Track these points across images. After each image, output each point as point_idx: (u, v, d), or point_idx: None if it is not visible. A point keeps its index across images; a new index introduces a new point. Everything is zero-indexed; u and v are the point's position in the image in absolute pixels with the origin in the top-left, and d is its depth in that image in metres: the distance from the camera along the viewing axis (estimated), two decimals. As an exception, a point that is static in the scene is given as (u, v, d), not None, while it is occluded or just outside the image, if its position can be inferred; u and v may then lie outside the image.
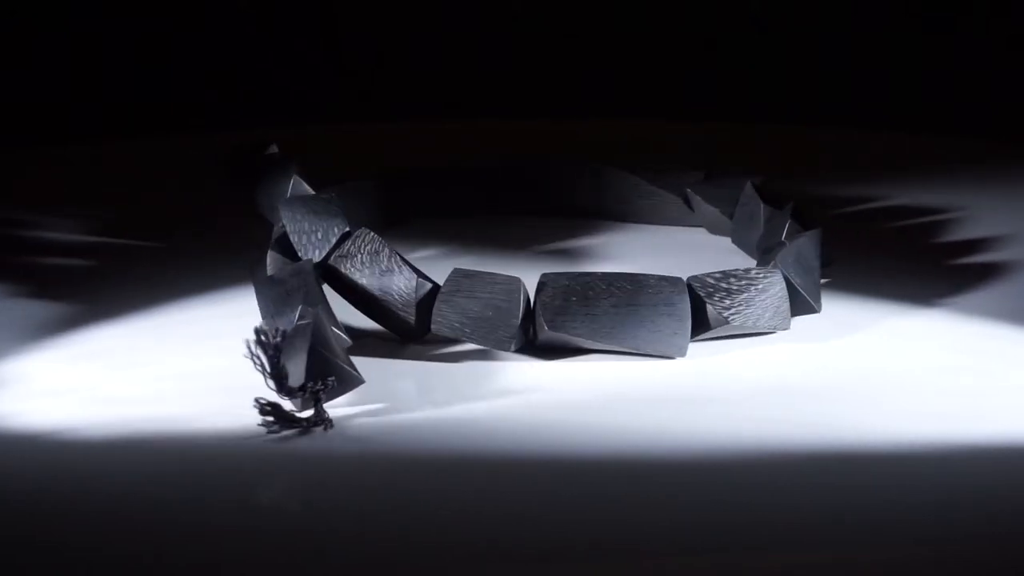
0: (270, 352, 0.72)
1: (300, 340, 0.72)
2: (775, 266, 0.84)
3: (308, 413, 0.73)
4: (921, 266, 0.95)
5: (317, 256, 0.86)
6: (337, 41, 1.46)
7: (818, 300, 0.86)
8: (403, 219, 1.04)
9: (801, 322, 0.84)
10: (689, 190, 1.01)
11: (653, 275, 0.82)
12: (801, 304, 0.85)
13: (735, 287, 0.82)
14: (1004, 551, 0.66)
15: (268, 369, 0.72)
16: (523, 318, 0.81)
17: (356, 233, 0.84)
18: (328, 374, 0.72)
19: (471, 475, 0.71)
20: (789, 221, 0.91)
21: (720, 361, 0.81)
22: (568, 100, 1.45)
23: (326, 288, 0.83)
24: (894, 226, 1.03)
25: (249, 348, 0.72)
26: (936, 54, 1.42)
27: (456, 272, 0.82)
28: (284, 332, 0.72)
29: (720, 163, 1.07)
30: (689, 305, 0.81)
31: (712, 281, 0.82)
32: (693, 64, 1.45)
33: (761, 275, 0.83)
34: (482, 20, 1.46)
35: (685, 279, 0.82)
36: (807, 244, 0.87)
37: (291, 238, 0.87)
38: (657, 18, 1.45)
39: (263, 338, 0.72)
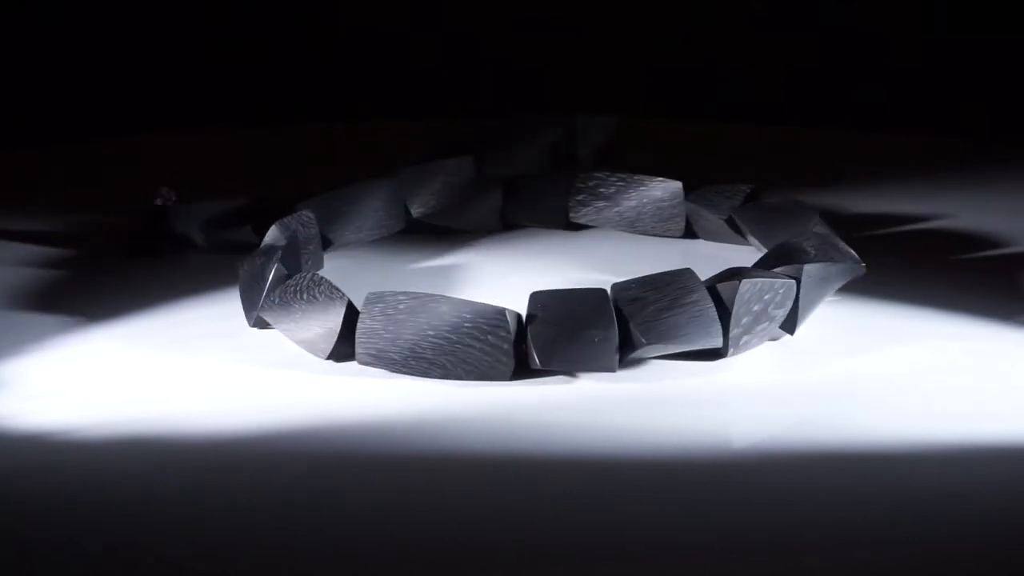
0: (165, 206, 0.96)
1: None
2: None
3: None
4: (920, 266, 0.95)
5: None
6: (337, 41, 1.46)
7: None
8: None
9: (801, 322, 0.84)
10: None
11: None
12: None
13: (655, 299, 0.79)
14: (1004, 551, 0.66)
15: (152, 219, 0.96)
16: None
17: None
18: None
19: (471, 475, 0.71)
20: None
21: (719, 361, 0.81)
22: (567, 100, 1.45)
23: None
24: (892, 226, 1.03)
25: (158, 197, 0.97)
26: (936, 54, 1.42)
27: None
28: (175, 202, 0.97)
29: (719, 163, 1.07)
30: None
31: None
32: (693, 64, 1.45)
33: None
34: (482, 20, 1.46)
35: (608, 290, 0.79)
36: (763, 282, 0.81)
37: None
38: (657, 18, 1.45)
39: (164, 194, 0.97)
